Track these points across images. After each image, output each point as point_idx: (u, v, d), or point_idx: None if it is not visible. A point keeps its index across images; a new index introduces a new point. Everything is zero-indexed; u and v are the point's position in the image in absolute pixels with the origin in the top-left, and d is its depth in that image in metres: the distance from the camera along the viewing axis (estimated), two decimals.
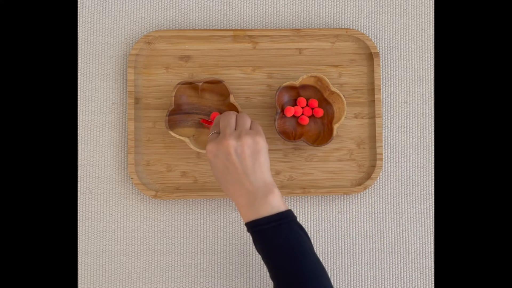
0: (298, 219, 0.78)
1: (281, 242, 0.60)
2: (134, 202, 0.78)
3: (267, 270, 0.77)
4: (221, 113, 0.76)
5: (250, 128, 0.64)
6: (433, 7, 0.81)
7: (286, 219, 0.60)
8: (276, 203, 0.60)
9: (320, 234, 0.78)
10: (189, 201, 0.78)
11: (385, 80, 0.80)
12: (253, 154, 0.61)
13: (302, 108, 0.76)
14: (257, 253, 0.77)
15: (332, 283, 0.77)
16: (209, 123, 0.74)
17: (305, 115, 0.76)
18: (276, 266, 0.60)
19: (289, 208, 0.62)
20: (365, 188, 0.77)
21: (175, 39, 0.78)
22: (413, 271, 0.78)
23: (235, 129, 0.64)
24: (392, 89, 0.80)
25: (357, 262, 0.78)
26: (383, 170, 0.79)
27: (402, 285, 0.78)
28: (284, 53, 0.79)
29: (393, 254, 0.78)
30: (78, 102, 0.79)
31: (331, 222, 0.78)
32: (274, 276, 0.60)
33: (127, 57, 0.79)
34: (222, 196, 0.76)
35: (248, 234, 0.77)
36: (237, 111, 0.75)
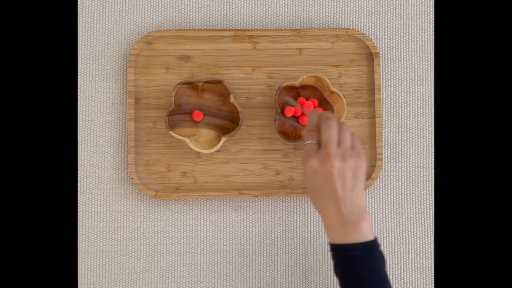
0: (299, 219, 0.78)
1: (363, 271, 0.59)
2: (134, 202, 0.78)
3: (267, 270, 0.77)
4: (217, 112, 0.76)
5: (352, 146, 0.61)
6: (433, 7, 0.81)
7: (372, 248, 0.60)
8: (366, 231, 0.59)
9: (320, 234, 0.78)
10: (189, 201, 0.78)
11: (385, 80, 0.80)
12: (354, 178, 0.59)
13: (302, 108, 0.76)
14: (257, 253, 0.77)
15: (332, 283, 0.77)
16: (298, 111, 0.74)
17: (305, 116, 0.76)
18: None
19: (375, 235, 0.61)
20: (365, 188, 0.77)
21: (175, 39, 0.78)
22: (413, 271, 0.78)
23: (339, 146, 0.60)
24: (392, 89, 0.80)
25: None
26: (383, 170, 0.79)
27: (402, 285, 0.78)
28: (284, 53, 0.79)
29: (393, 254, 0.78)
30: (78, 102, 0.79)
31: None
32: None
33: (127, 57, 0.79)
34: (222, 196, 0.76)
35: (250, 233, 0.77)
36: (237, 111, 0.75)
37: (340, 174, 0.58)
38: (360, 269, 0.59)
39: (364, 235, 0.59)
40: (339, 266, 0.60)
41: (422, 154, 0.79)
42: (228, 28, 0.80)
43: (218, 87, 0.76)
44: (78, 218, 0.77)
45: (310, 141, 0.61)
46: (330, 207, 0.59)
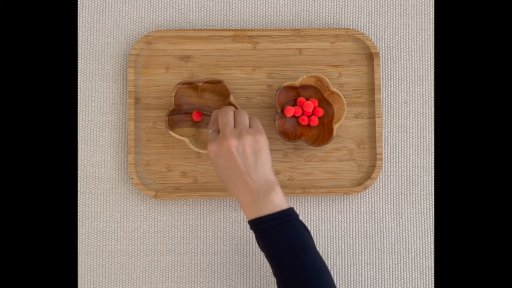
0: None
1: (283, 239, 0.60)
2: (134, 202, 0.78)
3: (267, 270, 0.77)
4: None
5: (250, 126, 0.65)
6: (433, 7, 0.81)
7: (288, 217, 0.61)
8: (278, 201, 0.61)
9: (320, 234, 0.78)
10: (189, 201, 0.78)
11: (385, 80, 0.80)
12: (255, 152, 0.62)
13: (302, 108, 0.76)
14: (257, 253, 0.77)
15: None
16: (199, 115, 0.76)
17: (305, 116, 0.76)
18: (279, 262, 0.60)
19: (291, 206, 0.62)
20: (365, 188, 0.77)
21: (175, 39, 0.78)
22: (413, 271, 0.78)
23: (235, 127, 0.64)
24: (392, 89, 0.80)
25: (357, 262, 0.78)
26: (383, 170, 0.79)
27: (402, 285, 0.78)
28: (284, 53, 0.79)
29: (393, 254, 0.78)
30: (78, 102, 0.79)
31: (331, 222, 0.78)
32: (276, 272, 0.61)
33: (127, 57, 0.79)
34: (222, 196, 0.76)
35: (250, 233, 0.77)
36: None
37: (239, 151, 0.62)
38: (279, 238, 0.60)
39: (276, 205, 0.60)
40: (260, 240, 0.61)
41: (422, 154, 0.79)
42: (228, 28, 0.80)
43: (218, 87, 0.76)
44: (78, 218, 0.77)
45: (211, 131, 0.65)
46: (239, 185, 0.61)
